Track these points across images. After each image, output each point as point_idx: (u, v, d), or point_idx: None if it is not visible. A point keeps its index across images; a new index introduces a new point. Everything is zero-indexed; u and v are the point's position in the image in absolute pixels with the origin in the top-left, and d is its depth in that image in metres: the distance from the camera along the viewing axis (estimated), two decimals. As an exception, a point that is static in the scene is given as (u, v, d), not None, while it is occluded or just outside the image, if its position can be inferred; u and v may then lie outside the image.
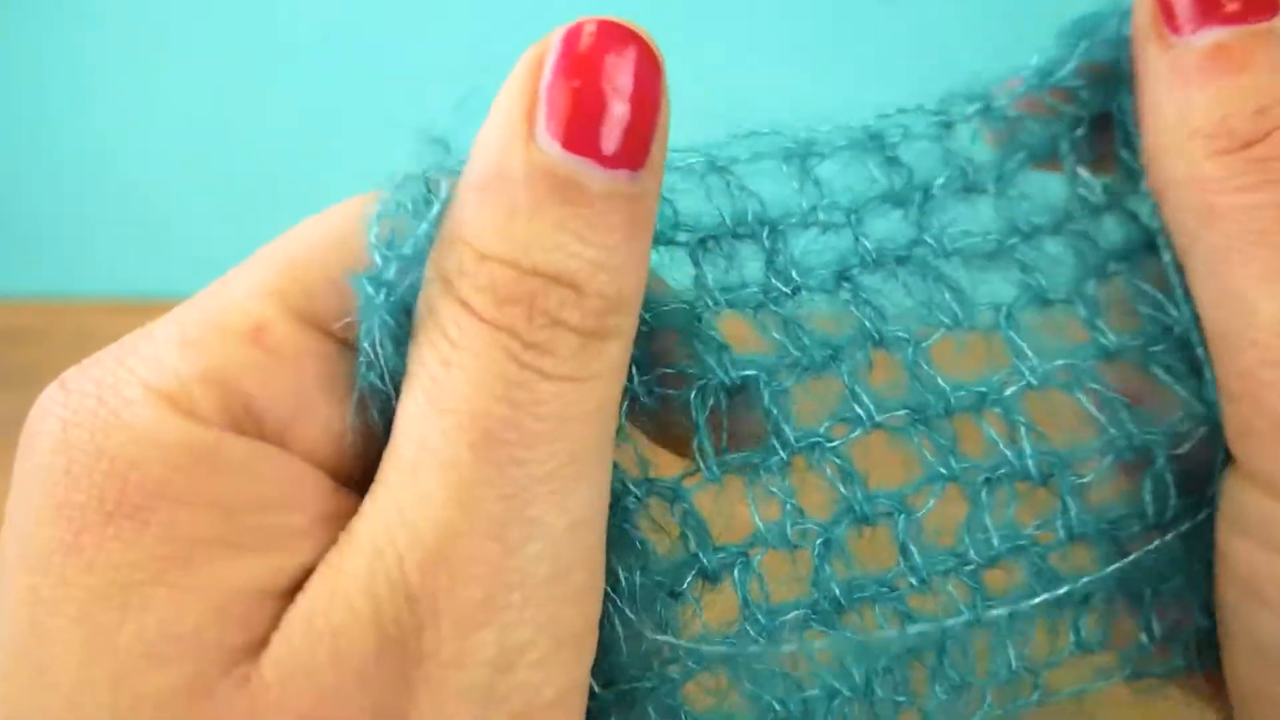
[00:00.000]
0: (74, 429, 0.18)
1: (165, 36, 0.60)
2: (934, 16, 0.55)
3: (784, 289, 0.22)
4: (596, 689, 0.21)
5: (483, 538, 0.18)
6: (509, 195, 0.18)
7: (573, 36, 0.18)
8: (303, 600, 0.18)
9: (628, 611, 0.22)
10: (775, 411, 0.22)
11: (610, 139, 0.18)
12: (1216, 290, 0.20)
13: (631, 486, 0.22)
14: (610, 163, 0.18)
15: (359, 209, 0.20)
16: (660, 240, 0.22)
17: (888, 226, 0.23)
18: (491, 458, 0.18)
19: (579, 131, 0.18)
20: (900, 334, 0.22)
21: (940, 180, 0.22)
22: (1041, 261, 0.23)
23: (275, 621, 0.18)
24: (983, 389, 0.23)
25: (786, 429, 0.22)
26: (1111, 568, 0.23)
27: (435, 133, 0.20)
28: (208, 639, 0.18)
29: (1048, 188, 0.23)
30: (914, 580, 0.22)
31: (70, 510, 0.17)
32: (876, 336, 0.22)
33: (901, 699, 0.23)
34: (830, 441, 0.22)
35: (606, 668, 0.22)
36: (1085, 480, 0.23)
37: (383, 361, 0.19)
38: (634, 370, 0.22)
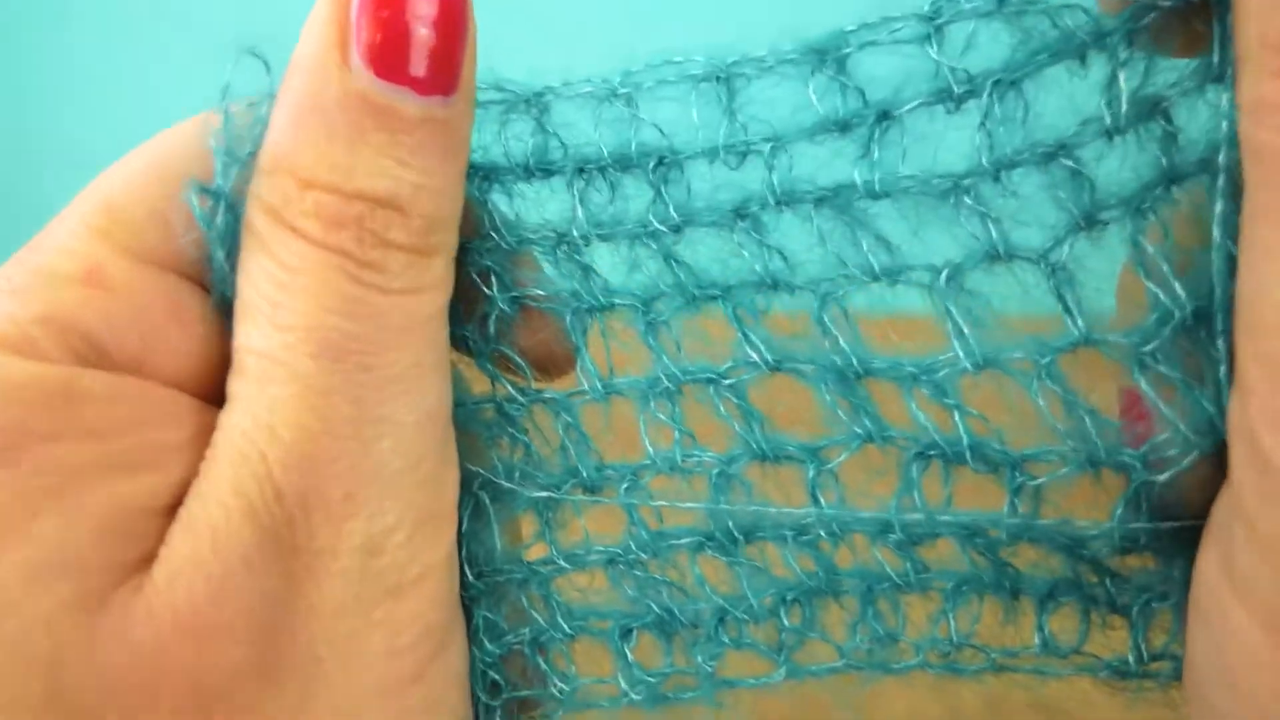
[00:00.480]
0: None
1: (165, 36, 0.61)
2: None
3: (662, 226, 0.21)
4: (470, 578, 0.23)
5: (340, 438, 0.19)
6: (327, 123, 0.19)
7: None
8: (182, 511, 0.20)
9: (501, 506, 0.23)
10: (653, 343, 0.22)
11: (420, 65, 0.19)
12: (1248, 252, 0.16)
13: (516, 394, 0.23)
14: (423, 88, 0.19)
15: (172, 141, 0.21)
16: (535, 170, 0.22)
17: (833, 163, 0.20)
18: (337, 366, 0.19)
19: (390, 59, 0.19)
20: (806, 284, 0.21)
21: (912, 102, 0.19)
22: (1009, 205, 0.19)
23: (162, 537, 0.19)
24: (910, 367, 0.21)
25: (668, 360, 0.22)
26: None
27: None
28: (94, 557, 0.19)
29: (1053, 105, 0.19)
30: (824, 532, 0.22)
31: None
32: (770, 281, 0.21)
33: (812, 633, 0.23)
34: (726, 379, 0.22)
35: (481, 557, 0.23)
36: (1037, 483, 0.21)
37: (232, 275, 0.20)
38: (495, 284, 0.22)
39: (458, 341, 0.23)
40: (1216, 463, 0.18)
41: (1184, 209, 0.18)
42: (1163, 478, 0.19)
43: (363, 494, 0.20)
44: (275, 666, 0.19)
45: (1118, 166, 0.19)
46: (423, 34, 0.19)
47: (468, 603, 0.23)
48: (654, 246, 0.22)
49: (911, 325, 0.21)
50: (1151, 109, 0.18)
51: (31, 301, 0.19)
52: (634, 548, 0.23)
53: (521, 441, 0.23)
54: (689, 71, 0.20)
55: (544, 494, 0.23)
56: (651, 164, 0.21)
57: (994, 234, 0.19)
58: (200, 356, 0.21)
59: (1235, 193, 0.17)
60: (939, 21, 0.18)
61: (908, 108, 0.19)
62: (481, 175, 0.22)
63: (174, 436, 0.20)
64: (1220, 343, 0.18)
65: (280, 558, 0.19)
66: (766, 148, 0.20)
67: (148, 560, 0.19)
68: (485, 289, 0.22)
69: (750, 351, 0.22)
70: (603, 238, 0.22)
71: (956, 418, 0.21)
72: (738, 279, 0.21)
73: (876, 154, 0.19)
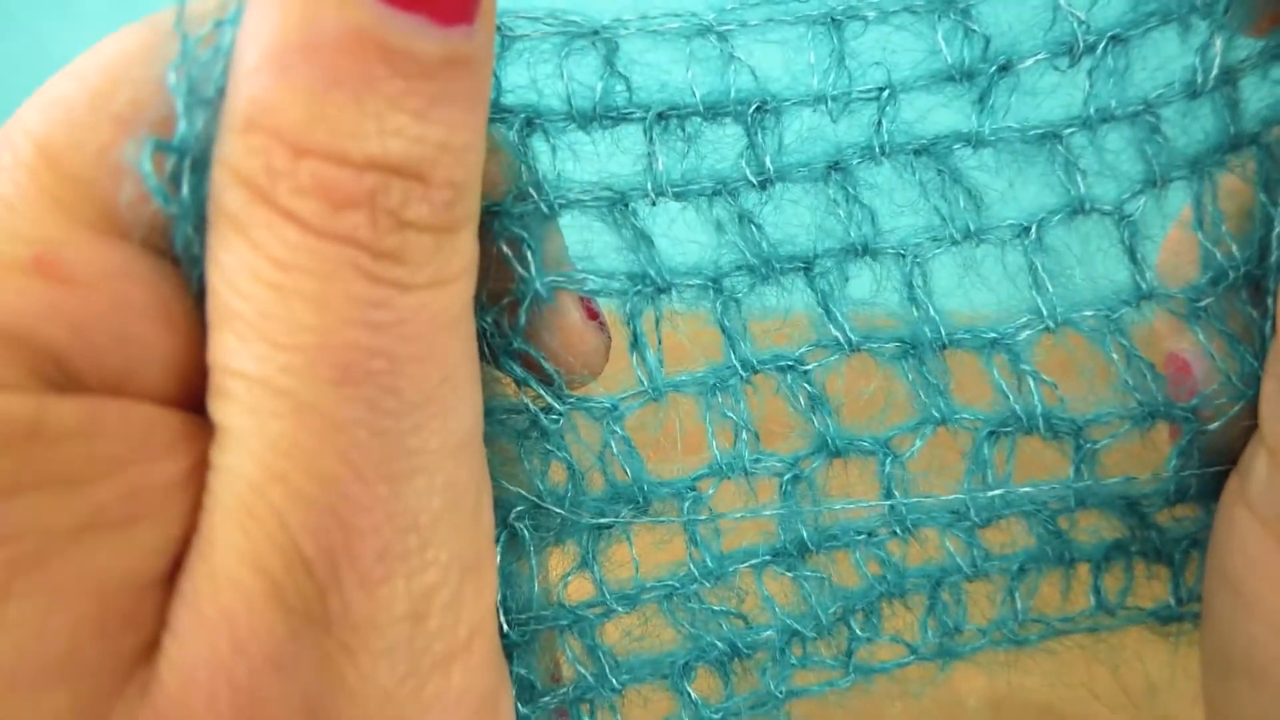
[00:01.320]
0: None
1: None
2: None
3: (751, 178, 0.19)
4: (504, 628, 0.20)
5: (368, 483, 0.15)
6: (324, 69, 0.14)
7: None
8: (184, 585, 0.15)
9: (540, 538, 0.20)
10: (727, 325, 0.19)
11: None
12: None
13: (554, 400, 0.19)
14: (442, 17, 0.15)
15: (114, 60, 0.16)
16: (603, 117, 0.18)
17: (945, 114, 0.19)
18: (359, 394, 0.15)
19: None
20: (894, 248, 0.19)
21: (1033, 52, 0.19)
22: (1094, 160, 0.19)
23: (162, 616, 0.15)
24: (992, 333, 0.20)
25: (743, 346, 0.20)
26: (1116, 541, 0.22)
27: None
28: (89, 654, 0.15)
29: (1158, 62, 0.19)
30: (897, 528, 0.21)
31: None
32: (860, 246, 0.19)
33: (879, 638, 0.22)
34: (804, 365, 0.20)
35: (513, 604, 0.20)
36: (1100, 445, 0.21)
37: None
38: (530, 260, 0.18)
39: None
40: (1256, 414, 0.20)
41: (1236, 175, 0.20)
42: (1214, 426, 0.20)
43: (400, 548, 0.16)
44: None
45: (1181, 132, 0.20)
46: None
47: None
48: (732, 206, 0.19)
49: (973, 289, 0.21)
50: (1226, 77, 0.19)
51: None
52: (696, 575, 0.21)
53: (562, 459, 0.20)
54: (798, 11, 0.18)
55: (602, 520, 0.20)
56: (751, 109, 0.18)
57: (1082, 186, 0.19)
58: (190, 359, 0.16)
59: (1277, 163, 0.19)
60: None
61: (1030, 60, 0.19)
62: (523, 120, 0.18)
63: (165, 474, 0.15)
64: (1271, 301, 0.19)
65: (314, 644, 0.15)
66: (883, 94, 0.19)
67: (148, 650, 0.15)
68: (519, 267, 0.18)
69: (834, 330, 0.20)
70: (678, 195, 0.19)
71: (1032, 384, 0.21)
72: (824, 247, 0.19)
73: (994, 103, 0.19)
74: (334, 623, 0.15)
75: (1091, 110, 0.19)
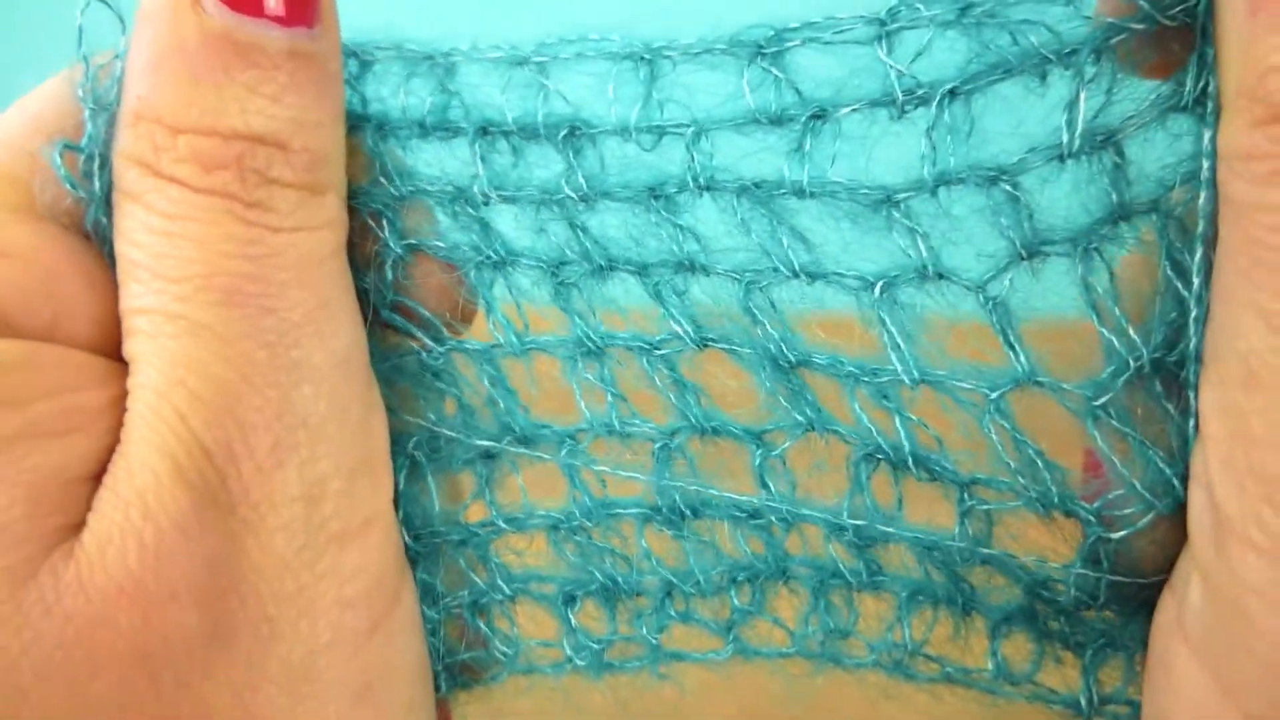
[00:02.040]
0: None
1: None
2: None
3: (572, 194, 0.20)
4: (407, 540, 0.22)
5: (257, 386, 0.19)
6: (189, 65, 0.19)
7: None
8: (107, 477, 0.19)
9: (437, 464, 0.23)
10: (564, 305, 0.22)
11: (276, 1, 0.19)
12: (1217, 302, 0.16)
13: (433, 344, 0.22)
14: (285, 22, 0.19)
15: (44, 96, 0.21)
16: (433, 129, 0.21)
17: (758, 157, 0.19)
18: (240, 312, 0.19)
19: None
20: (728, 271, 0.20)
21: (852, 104, 0.18)
22: (942, 226, 0.18)
23: (89, 504, 0.19)
24: (851, 367, 0.20)
25: (592, 322, 0.21)
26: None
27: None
28: (20, 527, 0.18)
29: (999, 126, 0.18)
30: (775, 518, 0.22)
31: None
32: (689, 263, 0.20)
33: (761, 615, 0.22)
34: (659, 349, 0.21)
35: (418, 519, 0.23)
36: (989, 507, 0.20)
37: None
38: (386, 228, 0.22)
39: (359, 295, 0.22)
40: (1178, 523, 0.18)
41: (1133, 249, 0.17)
42: (1117, 536, 0.18)
43: (290, 441, 0.19)
44: (225, 628, 0.19)
45: (1064, 196, 0.18)
46: None
47: None
48: (558, 212, 0.21)
49: (841, 325, 0.21)
50: (1105, 139, 0.17)
51: None
52: (577, 514, 0.23)
53: (451, 394, 0.23)
54: (609, 49, 0.20)
55: (486, 444, 0.22)
56: (562, 133, 0.20)
57: (924, 252, 0.18)
58: (113, 317, 0.20)
59: (1186, 235, 0.16)
60: (893, 27, 0.17)
61: (847, 109, 0.18)
62: (375, 126, 0.22)
63: (94, 400, 0.20)
64: (1192, 395, 0.17)
65: (218, 517, 0.19)
66: (688, 131, 0.19)
67: (76, 528, 0.19)
68: (379, 232, 0.22)
69: (675, 326, 0.21)
70: (505, 199, 0.21)
71: (898, 423, 0.20)
72: (655, 258, 0.21)
73: (809, 150, 0.18)
74: (236, 503, 0.19)
75: (926, 173, 0.18)
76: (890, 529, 0.21)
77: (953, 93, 0.17)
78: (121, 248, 0.20)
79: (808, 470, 0.22)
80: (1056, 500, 0.19)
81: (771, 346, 0.20)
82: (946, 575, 0.21)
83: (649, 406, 0.22)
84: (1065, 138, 0.17)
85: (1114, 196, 0.17)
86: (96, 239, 0.20)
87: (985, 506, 0.20)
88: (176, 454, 0.19)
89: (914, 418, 0.20)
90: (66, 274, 0.20)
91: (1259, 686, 0.15)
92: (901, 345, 0.19)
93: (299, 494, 0.19)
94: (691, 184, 0.19)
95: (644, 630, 0.23)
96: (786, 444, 0.21)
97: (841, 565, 0.22)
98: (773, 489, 0.22)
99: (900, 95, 0.17)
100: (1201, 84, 0.16)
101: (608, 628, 0.23)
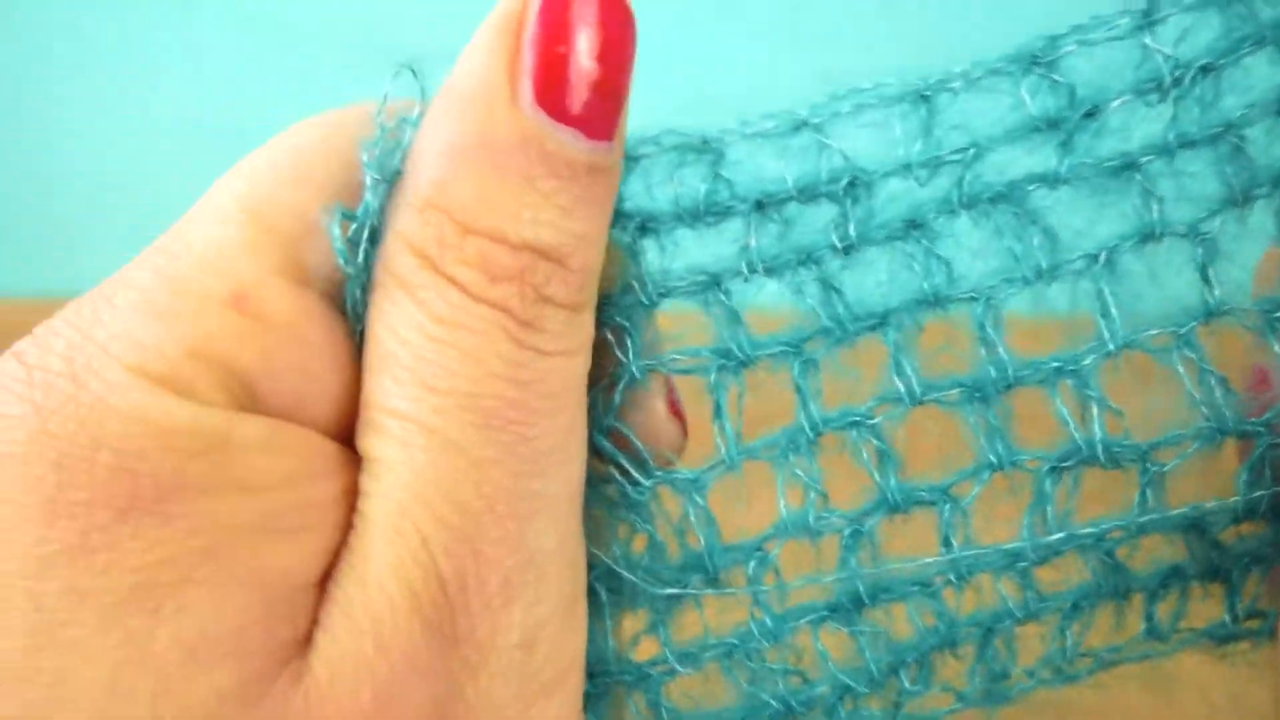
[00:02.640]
0: (55, 417, 0.16)
1: (165, 37, 0.60)
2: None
3: (836, 243, 0.20)
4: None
5: (500, 517, 0.18)
6: (495, 163, 0.18)
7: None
8: (335, 590, 0.18)
9: (616, 600, 0.21)
10: (803, 386, 0.20)
11: (589, 108, 0.18)
12: None
13: (640, 475, 0.21)
14: (590, 133, 0.18)
15: (316, 139, 0.19)
16: (708, 214, 0.20)
17: (1027, 160, 0.20)
18: (499, 438, 0.18)
19: (563, 99, 0.18)
20: (966, 294, 0.20)
21: (1118, 96, 0.19)
22: (1171, 186, 0.19)
23: (314, 615, 0.18)
24: (1056, 362, 0.20)
25: (814, 407, 0.20)
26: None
27: (407, 59, 0.19)
28: (254, 638, 0.17)
29: (1252, 85, 0.19)
30: (953, 576, 0.21)
31: (70, 508, 0.16)
32: (932, 296, 0.20)
33: (929, 689, 0.22)
34: (870, 419, 0.21)
35: (592, 659, 0.21)
36: (1166, 469, 0.20)
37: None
38: (630, 346, 0.21)
39: None
40: None
41: None
42: None
43: (520, 578, 0.18)
44: None
45: (1263, 151, 0.19)
46: (598, 78, 0.18)
47: None
48: (815, 271, 0.20)
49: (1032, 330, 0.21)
50: None
51: (181, 330, 0.17)
52: (756, 634, 0.21)
53: (644, 530, 0.21)
54: (887, 94, 0.19)
55: (670, 590, 0.21)
56: (843, 182, 0.20)
57: (1156, 213, 0.19)
58: (351, 402, 0.19)
59: None
60: (1156, 16, 0.19)
61: (1118, 101, 0.19)
62: (637, 224, 0.20)
63: (328, 493, 0.18)
64: None
65: (443, 655, 0.18)
66: (969, 153, 0.19)
67: (302, 642, 0.17)
68: (619, 353, 0.20)
69: (898, 381, 0.20)
70: (769, 271, 0.20)
71: (1095, 412, 0.20)
72: (899, 300, 0.20)
73: (1078, 145, 0.19)
74: (461, 640, 0.18)
75: (1171, 137, 0.19)
76: (1082, 530, 0.20)
77: (1204, 69, 0.19)
78: (383, 335, 0.18)
79: (985, 514, 0.21)
80: (1232, 424, 0.20)
81: (994, 370, 0.20)
82: (1109, 566, 0.21)
83: (839, 492, 0.21)
84: None
85: None
86: (351, 316, 0.19)
87: (1163, 469, 0.20)
88: (414, 580, 0.18)
89: (1112, 404, 0.20)
90: (319, 349, 0.18)
91: None
92: (1114, 312, 0.20)
93: (519, 639, 0.18)
94: (955, 203, 0.20)
95: None
96: (975, 491, 0.21)
97: (1010, 603, 0.21)
98: (954, 544, 0.21)
99: (1169, 78, 0.19)
100: None
101: None
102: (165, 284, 0.18)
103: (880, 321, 0.20)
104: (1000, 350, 0.20)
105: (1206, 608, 0.22)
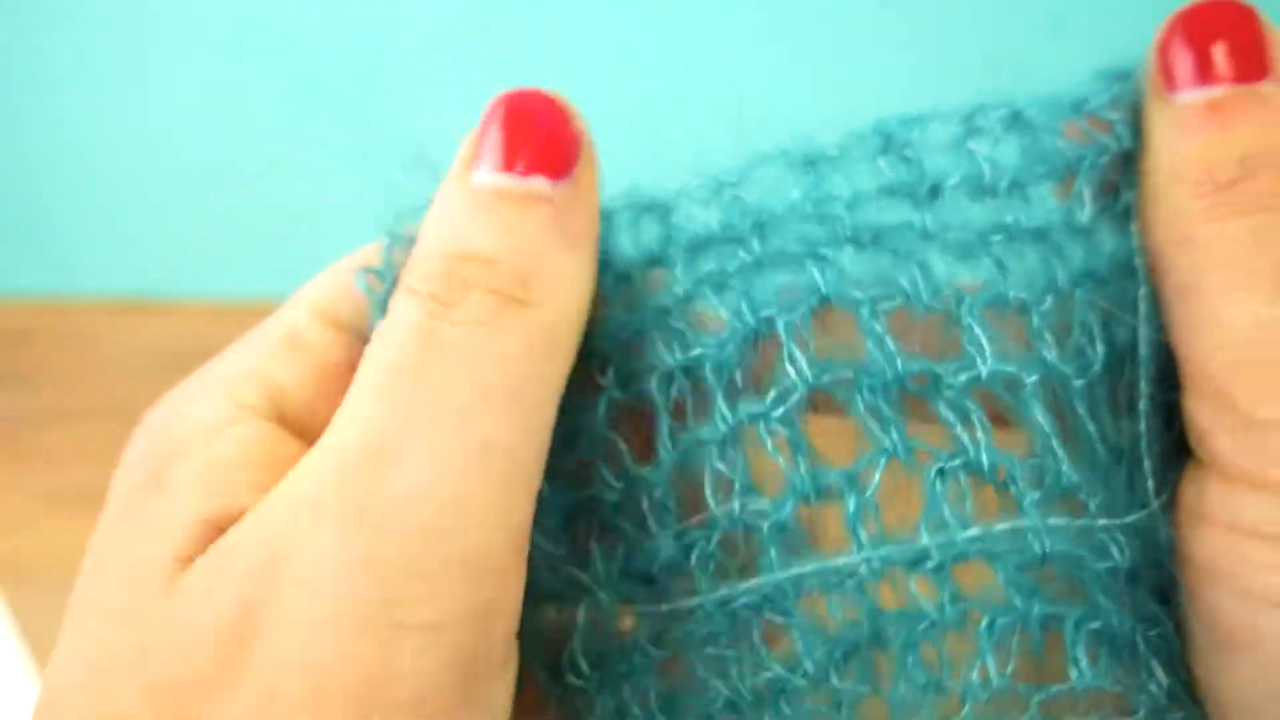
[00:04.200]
0: None
1: (165, 37, 0.60)
2: (934, 18, 0.54)
3: (748, 259, 0.23)
4: (585, 669, 0.23)
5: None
6: (449, 210, 0.22)
7: (503, 109, 0.23)
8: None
9: (604, 594, 0.24)
10: (712, 383, 0.23)
11: (525, 161, 0.22)
12: (1186, 313, 0.22)
13: (612, 479, 0.23)
14: (527, 172, 0.22)
15: (363, 253, 0.24)
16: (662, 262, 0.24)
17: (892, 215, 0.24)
18: (387, 384, 0.21)
19: (505, 160, 0.22)
20: (856, 294, 0.23)
21: (954, 179, 0.23)
22: (1015, 265, 0.23)
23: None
24: (937, 369, 0.22)
25: (722, 402, 0.22)
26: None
27: (422, 156, 0.23)
28: None
29: (1048, 201, 0.24)
30: (865, 570, 0.22)
31: None
32: (823, 291, 0.23)
33: (865, 688, 0.22)
34: (773, 411, 0.22)
35: (594, 650, 0.23)
36: (1038, 496, 0.22)
37: None
38: (612, 376, 0.23)
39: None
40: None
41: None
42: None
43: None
44: None
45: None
46: (536, 144, 0.22)
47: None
48: (733, 284, 0.24)
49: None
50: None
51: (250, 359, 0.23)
52: (702, 614, 0.23)
53: (621, 526, 0.24)
54: (790, 155, 0.24)
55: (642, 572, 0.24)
56: (749, 223, 0.24)
57: (1009, 279, 0.23)
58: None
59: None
60: (974, 123, 0.23)
61: (952, 181, 0.23)
62: (615, 271, 0.24)
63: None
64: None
65: None
66: (845, 202, 0.24)
67: None
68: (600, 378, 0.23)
69: (790, 368, 0.22)
70: (712, 289, 0.24)
71: (975, 420, 0.22)
72: (791, 300, 0.23)
73: (929, 213, 0.23)
74: None
75: (978, 237, 0.23)
76: (974, 533, 0.22)
77: (1012, 183, 0.23)
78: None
79: (891, 507, 0.22)
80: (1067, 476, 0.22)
81: (881, 363, 0.22)
82: (1021, 586, 0.22)
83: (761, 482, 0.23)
84: (1082, 215, 0.23)
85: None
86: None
87: (1036, 496, 0.22)
88: None
89: (987, 421, 0.22)
90: (337, 369, 0.22)
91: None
92: (986, 346, 0.22)
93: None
94: (842, 236, 0.23)
95: None
96: (876, 478, 0.22)
97: (924, 603, 0.22)
98: (863, 536, 0.22)
99: (989, 181, 0.23)
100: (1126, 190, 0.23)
101: None
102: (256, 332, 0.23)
103: (769, 320, 0.23)
104: (887, 342, 0.22)
105: (1126, 676, 0.22)
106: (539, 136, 0.23)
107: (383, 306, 0.22)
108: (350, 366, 0.22)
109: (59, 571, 0.52)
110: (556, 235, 0.23)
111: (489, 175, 0.23)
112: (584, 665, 0.23)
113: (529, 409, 0.22)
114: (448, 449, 0.21)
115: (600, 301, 0.24)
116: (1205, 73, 0.22)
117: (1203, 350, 0.21)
